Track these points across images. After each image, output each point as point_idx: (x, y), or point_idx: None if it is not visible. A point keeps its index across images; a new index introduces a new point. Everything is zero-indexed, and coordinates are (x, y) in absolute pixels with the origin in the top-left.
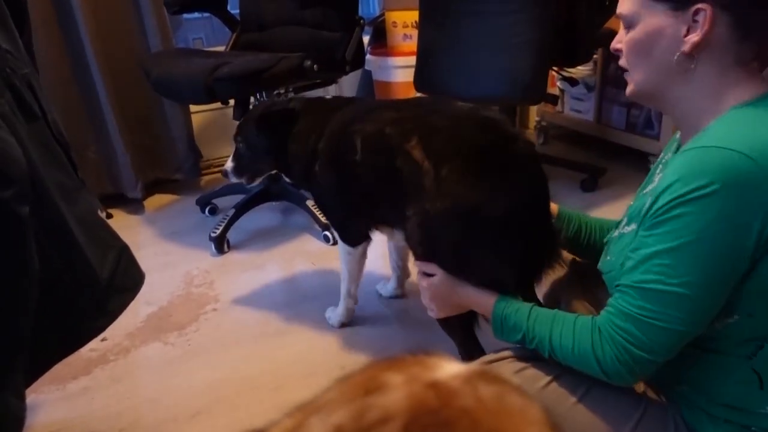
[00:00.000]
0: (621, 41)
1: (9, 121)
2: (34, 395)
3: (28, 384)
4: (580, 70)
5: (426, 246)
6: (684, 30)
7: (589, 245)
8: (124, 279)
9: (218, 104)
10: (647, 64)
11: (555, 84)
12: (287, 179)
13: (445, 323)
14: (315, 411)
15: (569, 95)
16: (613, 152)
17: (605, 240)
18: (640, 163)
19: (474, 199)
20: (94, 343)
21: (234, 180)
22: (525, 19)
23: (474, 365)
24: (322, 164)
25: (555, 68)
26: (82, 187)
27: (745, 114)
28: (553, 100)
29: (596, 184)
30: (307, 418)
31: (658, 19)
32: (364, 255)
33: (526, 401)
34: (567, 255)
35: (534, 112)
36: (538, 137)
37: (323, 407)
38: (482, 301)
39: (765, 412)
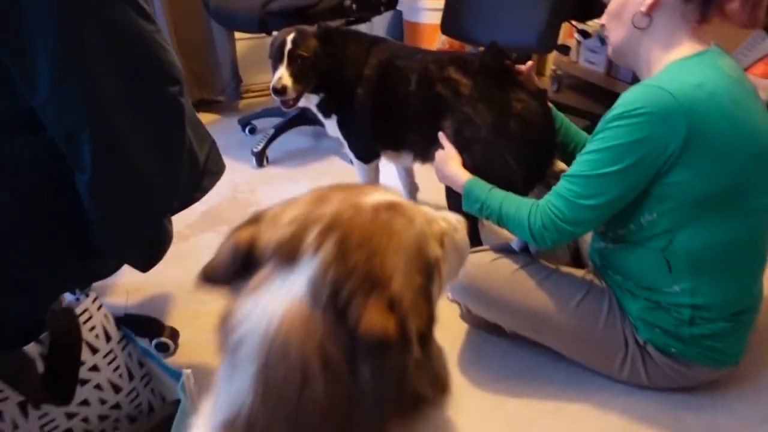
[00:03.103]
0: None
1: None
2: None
3: None
4: (596, 24)
5: (460, 144)
6: None
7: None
8: (213, 165)
9: (260, 34)
10: (619, 25)
11: (573, 36)
12: (311, 104)
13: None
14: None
15: (585, 47)
16: None
17: None
18: None
19: (507, 101)
20: None
21: (290, 96)
22: None
23: (392, 197)
24: (366, 89)
25: (572, 21)
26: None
27: (679, 65)
28: (565, 50)
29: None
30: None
31: None
32: (377, 169)
33: (407, 226)
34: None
35: (550, 61)
36: (552, 84)
37: (291, 204)
38: (460, 176)
39: (671, 290)
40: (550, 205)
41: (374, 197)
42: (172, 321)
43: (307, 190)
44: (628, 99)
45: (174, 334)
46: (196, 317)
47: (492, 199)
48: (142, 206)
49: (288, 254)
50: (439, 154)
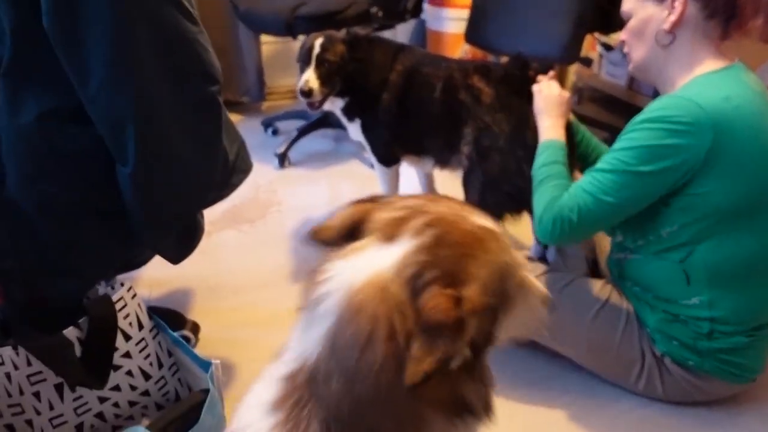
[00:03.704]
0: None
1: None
2: None
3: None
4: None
5: (478, 152)
6: (665, 14)
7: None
8: (242, 163)
9: (286, 38)
10: (641, 43)
11: (595, 48)
12: (335, 108)
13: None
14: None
15: (607, 60)
16: None
17: None
18: None
19: (526, 113)
20: None
21: (316, 98)
22: None
23: (496, 227)
24: (392, 94)
25: (595, 34)
26: None
27: (706, 79)
28: (587, 62)
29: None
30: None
31: (647, 10)
32: (397, 175)
33: (500, 252)
34: None
35: (572, 73)
36: (573, 96)
37: (408, 197)
38: (546, 129)
39: (689, 303)
40: (570, 198)
41: (480, 219)
42: (192, 316)
43: (327, 191)
44: (658, 106)
45: (195, 328)
46: (216, 313)
47: (546, 169)
48: (179, 199)
49: (390, 232)
50: (551, 91)
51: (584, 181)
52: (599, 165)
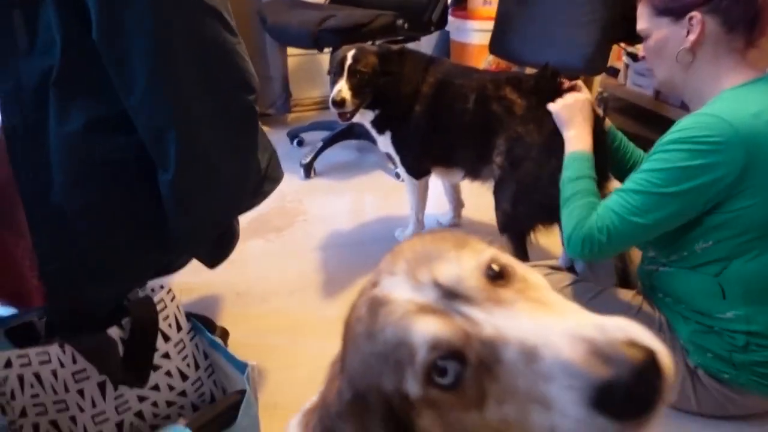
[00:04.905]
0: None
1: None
2: None
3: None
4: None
5: (511, 162)
6: (684, 33)
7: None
8: (273, 172)
9: (312, 50)
10: (662, 62)
11: (621, 58)
12: (365, 120)
13: (508, 234)
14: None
15: (633, 70)
16: (667, 127)
17: None
18: None
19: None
20: None
21: (348, 109)
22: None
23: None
24: (423, 106)
25: (621, 44)
26: None
27: (735, 94)
28: (613, 72)
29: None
30: None
31: (664, 30)
32: (426, 186)
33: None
34: None
35: (597, 84)
36: (598, 107)
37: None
38: (573, 139)
39: (724, 316)
40: (599, 218)
41: (382, 288)
42: (220, 322)
43: (351, 202)
44: (686, 125)
45: (225, 334)
46: (243, 319)
47: (573, 184)
48: (217, 205)
49: None
50: (575, 97)
51: (613, 201)
52: (627, 185)
